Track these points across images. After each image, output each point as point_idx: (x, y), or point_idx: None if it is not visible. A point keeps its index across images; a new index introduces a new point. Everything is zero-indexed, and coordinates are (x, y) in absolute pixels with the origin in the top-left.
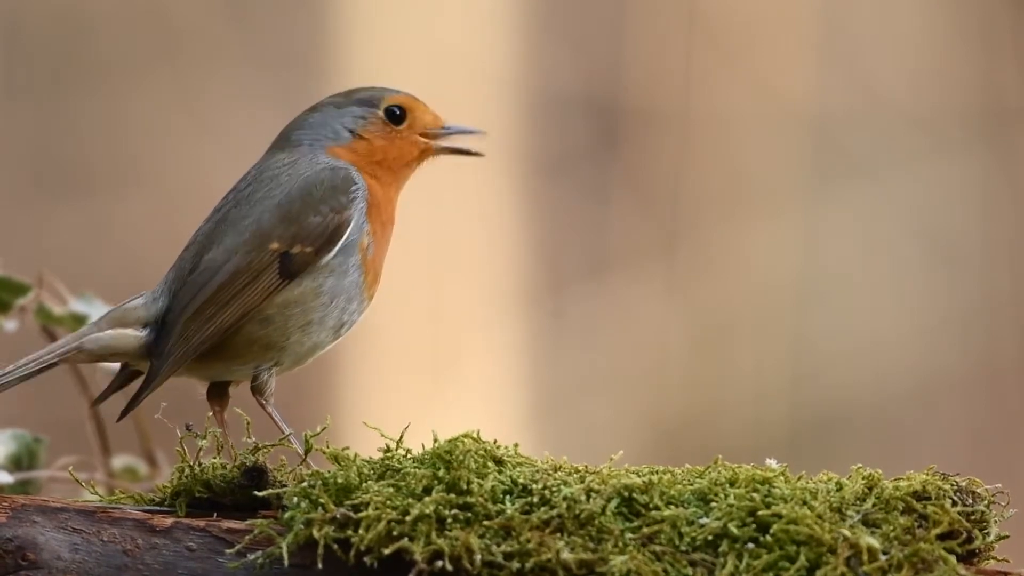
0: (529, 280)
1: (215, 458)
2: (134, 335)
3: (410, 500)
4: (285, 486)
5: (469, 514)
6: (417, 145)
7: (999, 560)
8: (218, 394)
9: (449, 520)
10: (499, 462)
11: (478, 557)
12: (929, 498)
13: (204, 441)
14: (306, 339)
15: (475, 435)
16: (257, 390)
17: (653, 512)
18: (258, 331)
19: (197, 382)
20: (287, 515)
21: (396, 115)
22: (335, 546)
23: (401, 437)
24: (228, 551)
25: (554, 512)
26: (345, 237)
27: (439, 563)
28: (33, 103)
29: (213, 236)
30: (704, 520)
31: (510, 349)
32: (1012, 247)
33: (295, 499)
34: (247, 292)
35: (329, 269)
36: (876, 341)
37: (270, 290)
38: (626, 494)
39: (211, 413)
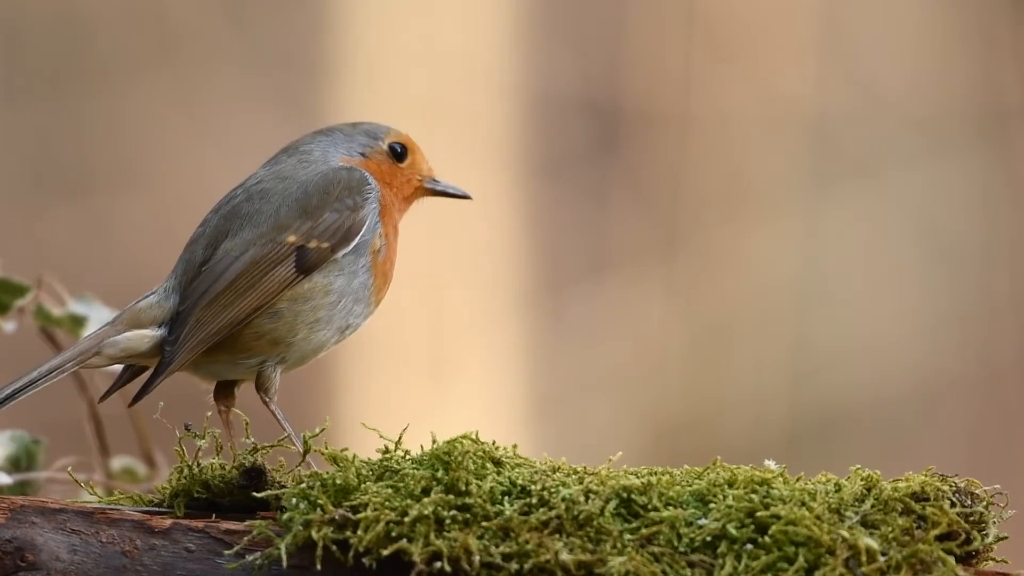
0: (529, 280)
1: (214, 459)
2: (151, 335)
3: (409, 501)
4: (284, 487)
5: (468, 515)
6: (413, 183)
7: (998, 561)
8: (224, 394)
9: (448, 521)
10: (498, 463)
11: (477, 558)
12: (928, 499)
13: (203, 441)
14: (313, 336)
15: (474, 436)
16: (261, 387)
17: (652, 513)
18: (267, 325)
19: (201, 380)
20: (286, 516)
21: (398, 152)
22: (334, 547)
23: (400, 438)
24: (227, 552)
25: (553, 513)
26: (360, 236)
27: (438, 564)
28: (33, 103)
29: (226, 228)
30: (703, 521)
31: (510, 349)
32: (1012, 247)
33: (294, 500)
34: (264, 283)
35: (340, 267)
36: (876, 341)
37: (286, 283)
38: (625, 495)
39: (210, 413)
